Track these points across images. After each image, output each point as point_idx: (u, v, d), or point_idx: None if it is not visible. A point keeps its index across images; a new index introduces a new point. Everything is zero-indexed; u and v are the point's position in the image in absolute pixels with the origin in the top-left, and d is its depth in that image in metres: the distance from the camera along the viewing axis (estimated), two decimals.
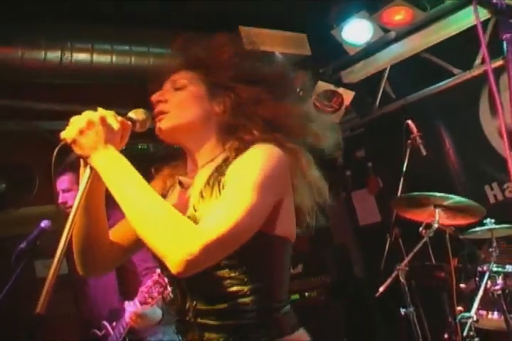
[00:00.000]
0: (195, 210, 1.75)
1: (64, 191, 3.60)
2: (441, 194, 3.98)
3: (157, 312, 3.25)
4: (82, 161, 1.72)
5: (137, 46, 4.70)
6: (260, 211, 1.64)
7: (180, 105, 1.87)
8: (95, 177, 1.69)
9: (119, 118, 1.74)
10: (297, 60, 5.54)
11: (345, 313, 5.77)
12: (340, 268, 6.42)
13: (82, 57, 4.44)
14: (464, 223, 4.13)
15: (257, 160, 1.70)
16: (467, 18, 4.96)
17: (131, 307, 3.20)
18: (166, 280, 3.03)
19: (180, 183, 1.91)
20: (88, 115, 1.68)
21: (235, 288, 1.71)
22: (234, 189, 1.65)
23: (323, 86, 5.70)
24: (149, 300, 3.07)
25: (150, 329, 3.41)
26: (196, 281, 1.70)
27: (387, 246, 4.66)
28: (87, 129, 1.65)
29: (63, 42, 4.36)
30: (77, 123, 1.66)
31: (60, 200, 3.59)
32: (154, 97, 1.89)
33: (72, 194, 3.58)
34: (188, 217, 1.71)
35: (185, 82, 1.89)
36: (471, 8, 4.87)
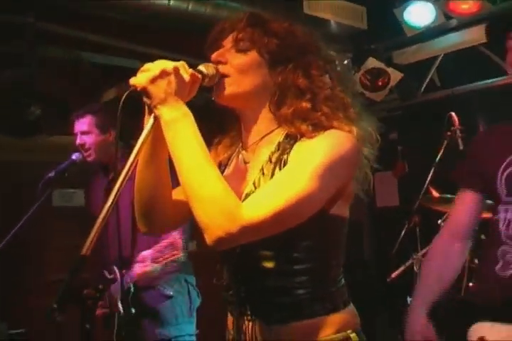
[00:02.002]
0: (255, 187, 1.71)
1: (83, 133, 3.59)
2: None
3: (157, 270, 3.31)
4: (146, 109, 1.68)
5: None
6: (313, 198, 1.59)
7: (241, 70, 1.77)
8: (160, 127, 1.64)
9: (191, 70, 1.69)
10: (351, 32, 5.48)
11: (348, 294, 5.80)
12: (350, 247, 6.44)
13: None
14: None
15: (327, 145, 1.65)
16: None
17: (140, 267, 3.29)
18: (181, 243, 3.06)
19: (243, 158, 1.88)
20: (162, 64, 1.63)
21: (292, 266, 1.72)
22: (291, 172, 1.61)
23: (373, 62, 5.64)
24: (161, 259, 3.10)
25: (159, 277, 3.45)
26: (250, 259, 1.73)
27: (403, 232, 4.64)
28: (159, 78, 1.60)
29: None
30: (150, 70, 1.62)
31: (78, 141, 3.59)
32: (215, 57, 1.80)
33: (90, 136, 3.58)
34: (247, 194, 1.70)
35: (249, 45, 1.79)
36: None
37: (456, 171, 2.64)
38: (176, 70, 1.63)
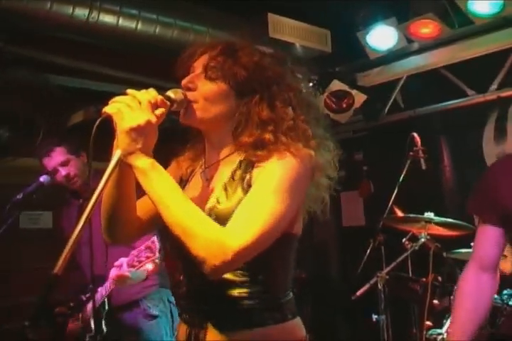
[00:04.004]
0: (219, 203, 1.81)
1: (63, 164, 3.63)
2: (433, 216, 4.08)
3: (140, 275, 3.33)
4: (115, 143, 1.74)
5: (164, 17, 4.69)
6: (285, 216, 1.73)
7: (208, 98, 1.86)
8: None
9: (160, 97, 1.75)
10: (316, 55, 5.57)
11: (312, 309, 5.86)
12: (316, 265, 6.52)
13: (108, 19, 4.42)
14: (452, 235, 4.24)
15: (287, 167, 1.75)
16: (493, 42, 5.01)
17: (116, 271, 3.27)
18: (157, 246, 3.11)
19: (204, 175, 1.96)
20: (145, 115, 1.68)
21: (245, 278, 1.82)
22: (262, 193, 1.72)
23: (337, 85, 5.75)
24: (136, 263, 3.13)
25: (140, 291, 3.48)
26: None
27: (368, 251, 4.72)
28: (131, 131, 1.66)
29: (93, 0, 4.34)
30: (134, 116, 1.67)
31: (63, 174, 3.61)
32: (185, 82, 1.88)
33: (71, 164, 3.62)
34: (211, 209, 1.80)
35: (218, 74, 1.87)
36: (498, 33, 4.97)
37: (471, 205, 2.65)
38: (148, 122, 1.68)
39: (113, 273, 3.30)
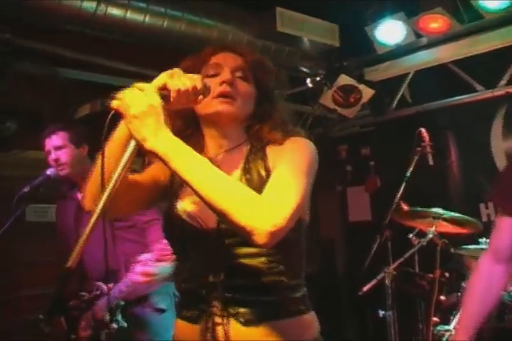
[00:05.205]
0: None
1: (57, 148, 3.58)
2: (441, 210, 4.06)
3: (167, 269, 3.24)
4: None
5: (172, 10, 4.69)
6: (308, 193, 1.79)
7: (245, 97, 1.95)
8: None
9: (203, 83, 1.76)
10: (324, 49, 5.56)
11: (318, 305, 5.85)
12: (323, 260, 6.51)
13: (116, 11, 4.42)
14: (459, 232, 4.23)
15: (302, 150, 1.88)
16: (503, 37, 4.99)
17: (140, 267, 3.22)
18: None
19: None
20: (145, 100, 1.63)
21: (272, 265, 1.84)
22: (289, 171, 1.77)
23: (345, 79, 5.74)
24: (167, 257, 3.10)
25: (153, 286, 3.47)
26: (231, 257, 1.83)
27: (375, 246, 4.70)
28: (138, 118, 1.62)
29: None
30: (136, 103, 1.63)
31: (52, 157, 3.58)
32: (230, 78, 1.92)
33: (65, 151, 3.58)
34: None
35: (248, 75, 1.99)
36: (508, 28, 4.95)
37: (493, 195, 2.66)
38: (151, 106, 1.63)
39: (140, 267, 3.24)
